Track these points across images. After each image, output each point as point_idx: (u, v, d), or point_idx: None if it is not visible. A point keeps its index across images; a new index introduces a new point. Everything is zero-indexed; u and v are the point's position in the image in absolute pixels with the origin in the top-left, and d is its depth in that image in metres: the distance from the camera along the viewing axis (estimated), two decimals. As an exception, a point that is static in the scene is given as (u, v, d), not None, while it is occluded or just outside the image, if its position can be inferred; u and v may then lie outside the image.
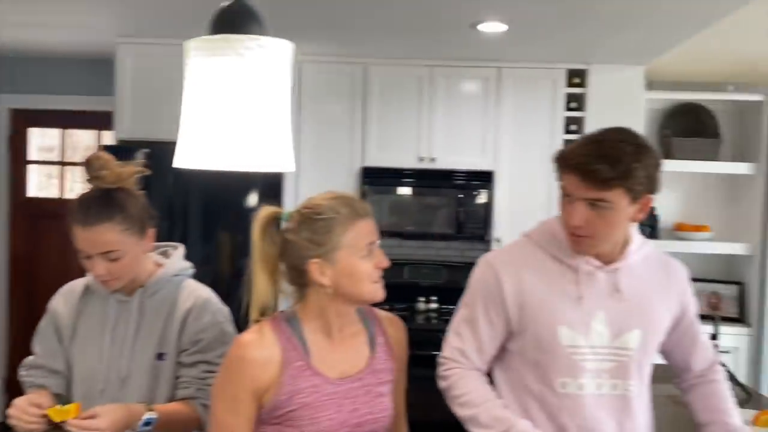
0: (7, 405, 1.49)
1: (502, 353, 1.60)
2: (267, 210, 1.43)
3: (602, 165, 1.35)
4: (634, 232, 1.57)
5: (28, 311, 4.54)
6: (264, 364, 1.35)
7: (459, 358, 1.57)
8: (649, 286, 1.54)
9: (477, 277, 1.60)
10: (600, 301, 1.49)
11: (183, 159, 1.42)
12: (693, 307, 1.62)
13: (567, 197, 1.45)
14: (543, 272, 1.52)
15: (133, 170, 1.63)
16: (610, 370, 1.48)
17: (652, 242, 1.63)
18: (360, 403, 1.41)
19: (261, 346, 1.36)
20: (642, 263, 1.55)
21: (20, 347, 1.77)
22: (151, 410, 1.52)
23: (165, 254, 1.76)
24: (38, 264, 4.65)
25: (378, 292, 1.41)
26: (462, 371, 1.56)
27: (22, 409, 1.48)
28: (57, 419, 1.45)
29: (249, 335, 1.39)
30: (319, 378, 1.38)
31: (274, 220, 1.44)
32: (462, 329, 1.58)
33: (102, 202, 1.55)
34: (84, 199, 1.57)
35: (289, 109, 1.47)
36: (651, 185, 1.42)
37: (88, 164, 1.59)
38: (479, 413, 1.49)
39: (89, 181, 1.59)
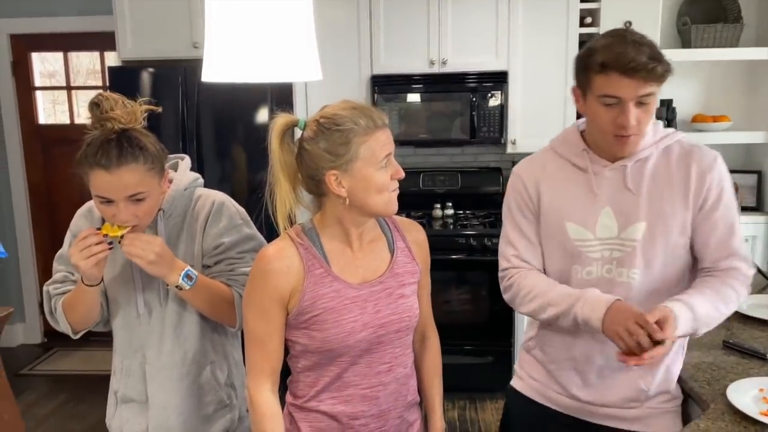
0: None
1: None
2: (283, 118, 1.42)
3: (656, 63, 1.43)
4: (651, 125, 1.58)
5: (52, 239, 4.63)
6: (286, 273, 1.40)
7: (518, 264, 1.67)
8: (663, 181, 1.56)
9: (508, 187, 1.72)
10: (609, 196, 1.58)
11: (211, 73, 1.41)
12: (717, 194, 1.55)
13: (611, 104, 1.48)
14: (557, 176, 1.64)
15: (145, 107, 1.57)
16: (618, 258, 1.57)
17: (681, 134, 1.62)
18: (382, 305, 1.45)
19: (281, 257, 1.41)
20: (661, 157, 1.58)
21: (50, 274, 1.78)
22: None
23: (174, 167, 1.73)
24: (56, 191, 4.67)
25: (391, 205, 1.42)
26: (523, 272, 1.66)
27: (83, 238, 1.49)
28: (112, 233, 1.50)
29: (270, 248, 1.44)
30: (339, 283, 1.43)
31: (290, 128, 1.43)
32: (511, 237, 1.68)
33: (123, 143, 1.48)
34: (100, 142, 1.48)
35: (312, 16, 1.43)
36: None
37: (97, 106, 1.50)
38: (548, 297, 1.58)
39: (100, 122, 1.50)
